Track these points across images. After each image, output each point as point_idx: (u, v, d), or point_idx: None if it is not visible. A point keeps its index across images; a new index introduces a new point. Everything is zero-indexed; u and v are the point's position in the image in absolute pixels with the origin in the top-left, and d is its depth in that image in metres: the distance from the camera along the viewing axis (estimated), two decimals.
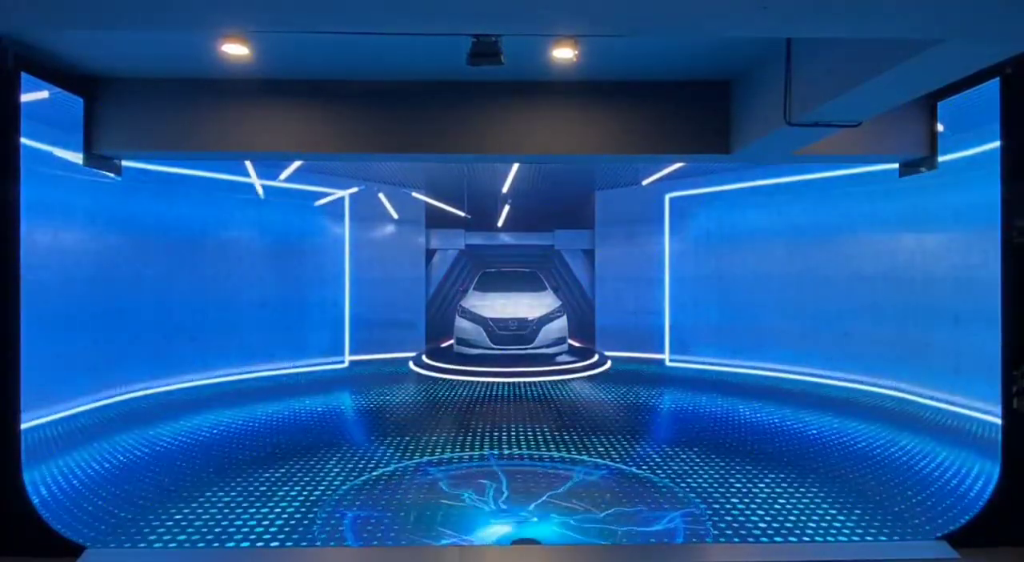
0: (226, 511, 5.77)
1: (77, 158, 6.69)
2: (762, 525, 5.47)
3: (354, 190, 13.15)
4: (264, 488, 6.35)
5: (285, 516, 5.64)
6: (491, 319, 14.18)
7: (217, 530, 5.38)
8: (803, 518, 5.62)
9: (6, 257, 5.09)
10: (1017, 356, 5.06)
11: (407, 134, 6.73)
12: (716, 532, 5.35)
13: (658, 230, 13.27)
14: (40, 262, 6.09)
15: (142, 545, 5.12)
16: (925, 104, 6.68)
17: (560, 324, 14.58)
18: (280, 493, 6.20)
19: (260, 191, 11.08)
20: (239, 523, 5.51)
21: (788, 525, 5.47)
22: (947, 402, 7.17)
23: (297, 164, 11.05)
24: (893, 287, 8.51)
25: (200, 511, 5.77)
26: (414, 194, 15.21)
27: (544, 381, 12.17)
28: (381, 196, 14.22)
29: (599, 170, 12.80)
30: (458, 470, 6.86)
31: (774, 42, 5.52)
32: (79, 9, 3.44)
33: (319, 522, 5.51)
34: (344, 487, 6.34)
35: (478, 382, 12.07)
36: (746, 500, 6.04)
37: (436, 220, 16.94)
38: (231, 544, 5.13)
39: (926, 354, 7.33)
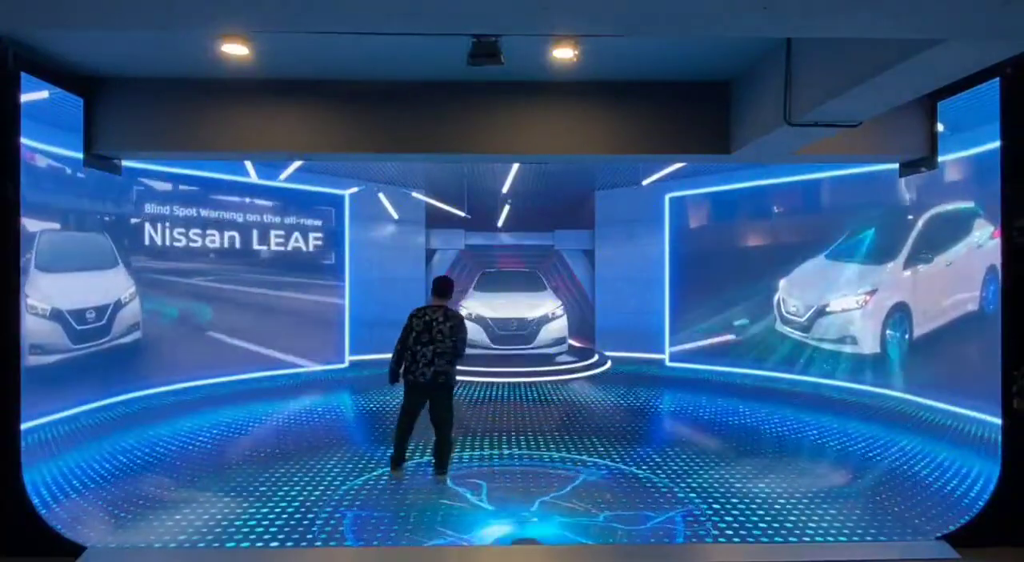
0: (226, 511, 5.77)
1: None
2: (762, 525, 5.47)
3: (354, 190, 13.14)
4: (264, 488, 6.35)
5: (285, 516, 5.64)
6: (491, 319, 14.17)
7: (217, 530, 5.38)
8: (803, 518, 5.63)
9: (6, 257, 5.08)
10: (1017, 356, 5.06)
11: (407, 134, 6.72)
12: (716, 532, 5.35)
13: (658, 230, 13.28)
14: None
15: (142, 545, 5.12)
16: (925, 104, 6.68)
17: (560, 324, 14.57)
18: (280, 493, 6.20)
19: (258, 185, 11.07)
20: (239, 523, 5.51)
21: (788, 525, 5.48)
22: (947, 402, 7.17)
23: (297, 164, 11.04)
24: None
25: (200, 511, 5.77)
26: (414, 194, 15.19)
27: (544, 381, 12.16)
28: (381, 196, 14.21)
29: (599, 170, 12.79)
30: (458, 470, 6.86)
31: (774, 42, 5.52)
32: (79, 9, 3.44)
33: (319, 522, 5.52)
34: (344, 487, 6.35)
35: (477, 382, 12.07)
36: (746, 500, 6.04)
37: (436, 220, 16.92)
38: (231, 544, 5.13)
39: None
